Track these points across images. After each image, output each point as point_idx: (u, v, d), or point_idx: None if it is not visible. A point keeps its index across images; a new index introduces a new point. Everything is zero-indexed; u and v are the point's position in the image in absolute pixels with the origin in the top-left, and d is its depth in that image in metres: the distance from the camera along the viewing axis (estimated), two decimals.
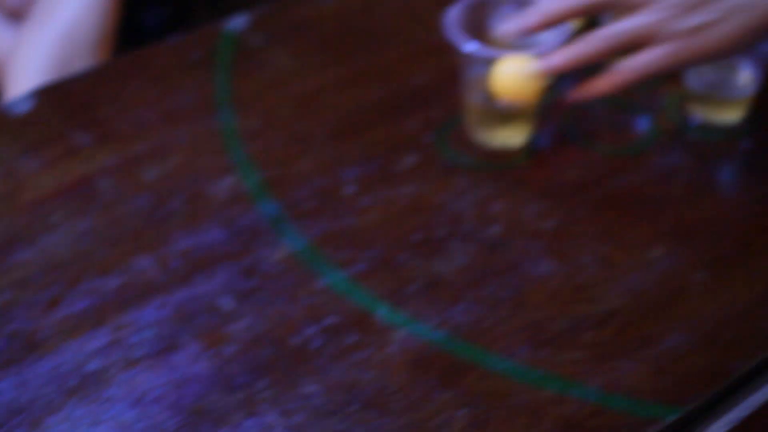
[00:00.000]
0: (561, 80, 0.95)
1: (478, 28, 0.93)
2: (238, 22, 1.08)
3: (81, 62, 1.20)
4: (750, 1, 0.77)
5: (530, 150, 0.94)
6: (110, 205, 0.90)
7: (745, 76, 0.96)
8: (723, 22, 0.78)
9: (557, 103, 0.96)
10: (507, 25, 0.87)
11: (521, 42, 0.90)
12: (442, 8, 1.10)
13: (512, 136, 0.94)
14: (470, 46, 0.90)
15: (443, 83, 1.01)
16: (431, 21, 1.09)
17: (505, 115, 0.93)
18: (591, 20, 1.02)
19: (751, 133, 0.95)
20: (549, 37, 0.90)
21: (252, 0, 1.13)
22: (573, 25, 0.98)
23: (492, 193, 0.90)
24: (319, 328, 0.80)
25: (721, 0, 0.77)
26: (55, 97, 1.02)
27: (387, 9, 1.11)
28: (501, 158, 0.93)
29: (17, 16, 1.30)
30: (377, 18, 1.10)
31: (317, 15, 1.10)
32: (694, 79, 0.96)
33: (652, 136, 0.95)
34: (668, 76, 0.99)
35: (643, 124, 0.97)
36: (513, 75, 0.88)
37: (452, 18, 0.92)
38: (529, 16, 0.86)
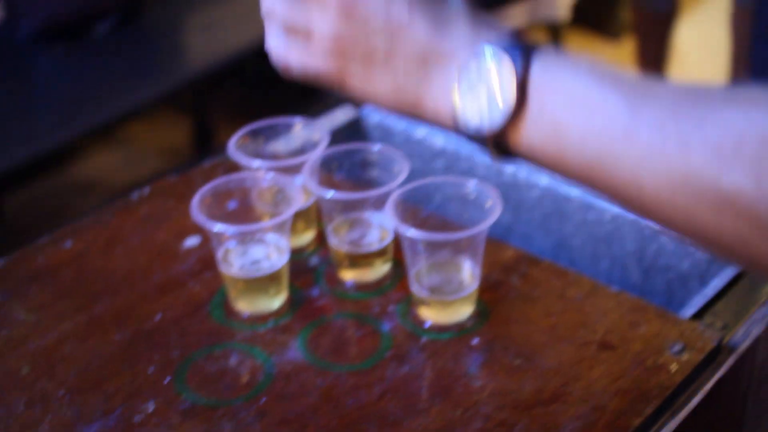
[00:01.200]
0: None
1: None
2: None
3: None
4: (413, 81, 0.72)
5: (271, 376, 0.95)
6: None
7: (467, 274, 1.00)
8: (378, 80, 0.73)
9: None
10: None
11: None
12: (180, 241, 1.12)
13: (271, 301, 1.03)
14: (219, 226, 0.99)
15: (182, 317, 1.02)
16: (169, 254, 1.10)
17: (261, 282, 1.02)
18: None
19: (479, 329, 0.99)
20: None
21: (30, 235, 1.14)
22: None
23: (231, 431, 0.90)
24: None
25: (392, 60, 0.72)
26: None
27: (126, 248, 1.12)
28: (241, 390, 0.94)
29: None
30: (116, 258, 1.11)
31: (55, 262, 1.10)
32: (417, 286, 1.00)
33: (386, 346, 0.98)
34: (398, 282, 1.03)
35: (378, 335, 0.99)
36: None
37: (197, 202, 1.01)
38: None
